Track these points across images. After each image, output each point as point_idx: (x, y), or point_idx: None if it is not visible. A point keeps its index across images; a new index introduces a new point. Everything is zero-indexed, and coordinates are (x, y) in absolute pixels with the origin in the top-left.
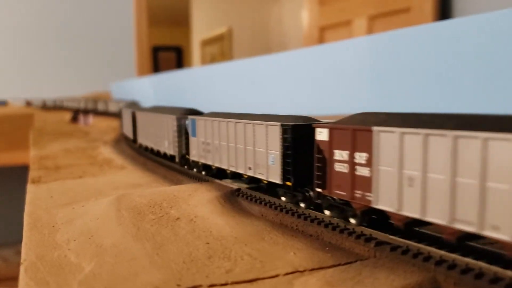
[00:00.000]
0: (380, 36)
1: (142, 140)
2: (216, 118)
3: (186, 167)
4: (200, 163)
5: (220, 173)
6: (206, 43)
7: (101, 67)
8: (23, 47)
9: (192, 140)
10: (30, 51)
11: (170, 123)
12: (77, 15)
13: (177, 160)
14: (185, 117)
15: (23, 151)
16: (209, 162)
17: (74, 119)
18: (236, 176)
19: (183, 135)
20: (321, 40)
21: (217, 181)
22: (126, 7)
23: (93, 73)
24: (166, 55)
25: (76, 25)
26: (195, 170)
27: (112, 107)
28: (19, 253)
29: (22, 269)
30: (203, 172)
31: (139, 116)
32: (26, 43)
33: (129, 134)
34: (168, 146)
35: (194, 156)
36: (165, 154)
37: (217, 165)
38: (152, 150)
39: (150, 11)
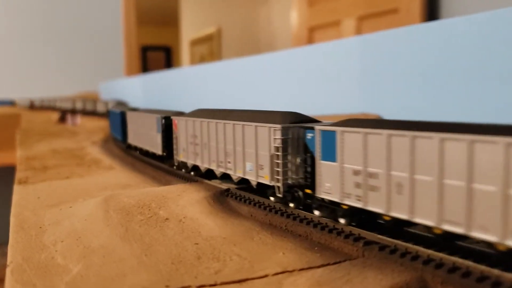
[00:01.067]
0: (369, 36)
1: (189, 158)
2: (401, 130)
3: (293, 204)
4: (343, 206)
5: (399, 226)
6: (195, 43)
7: (90, 67)
8: (10, 47)
9: (326, 166)
10: (17, 51)
11: (264, 136)
12: (66, 14)
13: (278, 193)
14: (300, 127)
15: (10, 152)
16: (377, 208)
17: (62, 119)
18: (449, 239)
19: (293, 154)
20: (310, 40)
21: (206, 181)
22: (115, 7)
23: (81, 73)
24: (155, 55)
25: (64, 25)
26: (317, 213)
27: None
28: (5, 254)
29: (8, 271)
30: (342, 220)
31: (183, 124)
32: (13, 42)
33: (153, 148)
34: (256, 170)
35: (329, 192)
36: (243, 180)
37: (401, 215)
38: (209, 173)
39: (138, 10)
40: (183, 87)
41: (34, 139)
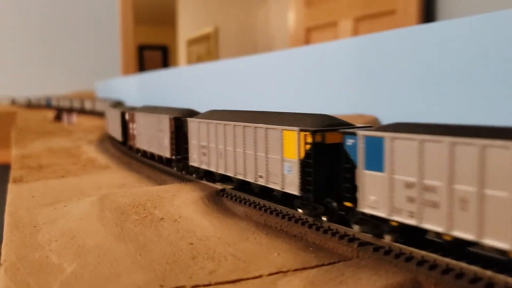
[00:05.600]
0: (366, 37)
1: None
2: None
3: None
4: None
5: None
6: (192, 42)
7: (86, 66)
8: (5, 45)
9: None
10: (13, 49)
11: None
12: (62, 13)
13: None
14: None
15: (5, 150)
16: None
17: (58, 117)
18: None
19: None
20: (307, 41)
21: (202, 181)
22: (112, 6)
23: (77, 71)
24: (152, 54)
25: (61, 23)
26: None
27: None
28: None
29: (2, 270)
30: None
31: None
32: (8, 40)
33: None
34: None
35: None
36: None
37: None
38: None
39: (136, 9)
40: (179, 86)
41: (29, 137)
